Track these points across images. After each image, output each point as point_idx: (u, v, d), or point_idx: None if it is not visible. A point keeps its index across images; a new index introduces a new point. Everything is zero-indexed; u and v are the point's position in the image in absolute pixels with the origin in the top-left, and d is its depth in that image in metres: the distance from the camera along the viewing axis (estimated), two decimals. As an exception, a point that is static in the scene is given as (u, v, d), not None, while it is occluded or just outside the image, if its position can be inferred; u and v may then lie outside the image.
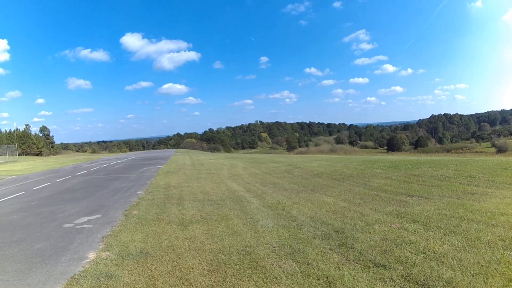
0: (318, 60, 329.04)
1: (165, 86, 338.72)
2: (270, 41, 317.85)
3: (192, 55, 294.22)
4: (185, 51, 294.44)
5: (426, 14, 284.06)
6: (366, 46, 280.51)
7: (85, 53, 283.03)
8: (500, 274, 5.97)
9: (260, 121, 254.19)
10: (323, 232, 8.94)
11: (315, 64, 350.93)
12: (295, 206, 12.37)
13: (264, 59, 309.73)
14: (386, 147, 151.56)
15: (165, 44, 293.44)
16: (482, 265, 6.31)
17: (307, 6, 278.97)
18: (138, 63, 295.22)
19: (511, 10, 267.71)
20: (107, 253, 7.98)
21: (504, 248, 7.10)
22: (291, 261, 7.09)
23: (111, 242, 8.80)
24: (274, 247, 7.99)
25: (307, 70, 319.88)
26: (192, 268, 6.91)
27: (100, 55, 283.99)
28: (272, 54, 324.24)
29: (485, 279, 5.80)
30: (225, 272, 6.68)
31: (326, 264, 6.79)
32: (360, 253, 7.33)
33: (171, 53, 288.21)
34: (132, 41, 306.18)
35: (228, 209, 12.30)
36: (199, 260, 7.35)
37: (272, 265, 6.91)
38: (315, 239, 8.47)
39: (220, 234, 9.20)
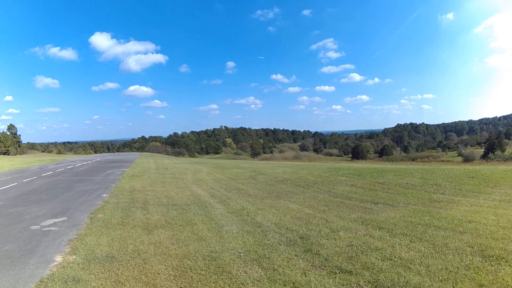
0: (285, 67, 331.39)
1: (131, 88, 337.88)
2: (238, 46, 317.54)
3: (159, 58, 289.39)
4: (152, 53, 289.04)
5: (396, 25, 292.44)
6: (333, 55, 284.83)
7: (55, 51, 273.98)
8: (470, 279, 6.16)
9: (225, 126, 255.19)
10: (288, 238, 9.09)
11: (281, 71, 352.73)
12: (260, 212, 12.54)
13: (230, 64, 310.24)
14: (351, 155, 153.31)
15: (133, 45, 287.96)
16: (450, 271, 6.49)
17: (276, 13, 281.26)
18: (105, 64, 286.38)
19: (484, 23, 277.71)
20: (73, 257, 7.98)
21: (473, 254, 7.34)
22: (257, 267, 7.18)
23: (77, 246, 8.77)
24: (240, 253, 8.08)
25: (274, 76, 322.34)
26: (158, 273, 6.94)
27: (69, 54, 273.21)
28: (239, 59, 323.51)
29: (454, 285, 5.97)
30: (191, 277, 6.73)
31: (292, 270, 6.90)
32: (326, 259, 7.46)
33: (139, 54, 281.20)
34: (101, 40, 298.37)
35: (192, 214, 12.38)
36: (165, 265, 7.39)
37: (238, 271, 6.98)
38: (281, 245, 8.60)
39: (185, 239, 9.27)
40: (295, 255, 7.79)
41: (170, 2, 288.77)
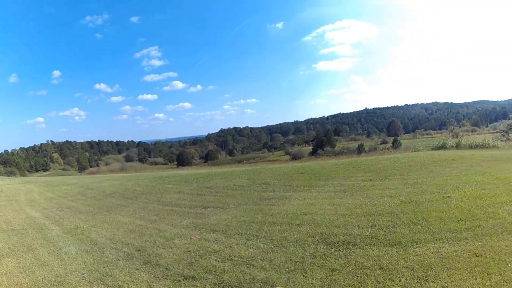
0: (108, 76, 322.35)
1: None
2: (64, 54, 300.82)
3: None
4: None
5: (223, 34, 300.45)
6: (157, 63, 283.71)
7: None
8: (319, 266, 6.66)
9: (51, 141, 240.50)
10: (125, 253, 9.09)
11: (105, 80, 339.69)
12: (93, 229, 12.33)
13: (56, 73, 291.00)
14: (176, 162, 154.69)
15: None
16: (295, 262, 6.94)
17: (105, 19, 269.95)
18: None
19: (315, 32, 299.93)
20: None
21: (316, 243, 7.93)
22: (102, 285, 7.13)
23: None
24: (83, 273, 7.94)
25: (97, 86, 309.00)
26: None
27: None
28: (65, 68, 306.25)
29: (304, 274, 6.38)
30: (44, 305, 6.41)
31: (136, 284, 6.94)
32: (166, 268, 7.56)
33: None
34: None
35: (31, 238, 11.81)
36: (19, 296, 7.01)
37: (86, 292, 6.83)
38: (120, 260, 8.58)
39: (30, 266, 8.86)
40: (136, 269, 7.84)
41: (2, 4, 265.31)
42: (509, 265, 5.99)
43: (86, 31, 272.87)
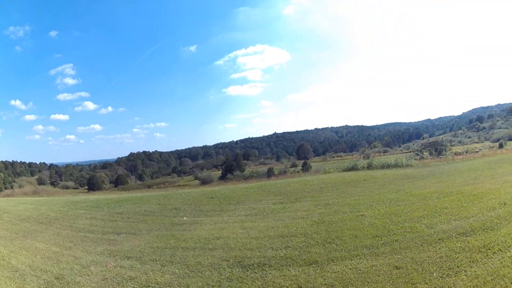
0: (24, 92, 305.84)
1: None
2: None
3: None
4: None
5: (137, 54, 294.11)
6: (70, 81, 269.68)
7: None
8: None
9: None
10: (45, 281, 8.90)
11: (20, 96, 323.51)
12: (13, 255, 11.91)
13: None
14: (87, 187, 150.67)
15: None
16: (212, 286, 7.20)
17: (26, 31, 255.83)
18: None
19: (227, 56, 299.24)
20: None
21: (231, 266, 8.22)
22: None
23: None
24: None
25: (13, 102, 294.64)
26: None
27: None
28: None
29: None
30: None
31: None
32: None
33: None
34: None
35: None
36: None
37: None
38: None
39: None
40: (57, 297, 7.66)
41: None
42: (434, 274, 6.49)
43: (8, 43, 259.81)
